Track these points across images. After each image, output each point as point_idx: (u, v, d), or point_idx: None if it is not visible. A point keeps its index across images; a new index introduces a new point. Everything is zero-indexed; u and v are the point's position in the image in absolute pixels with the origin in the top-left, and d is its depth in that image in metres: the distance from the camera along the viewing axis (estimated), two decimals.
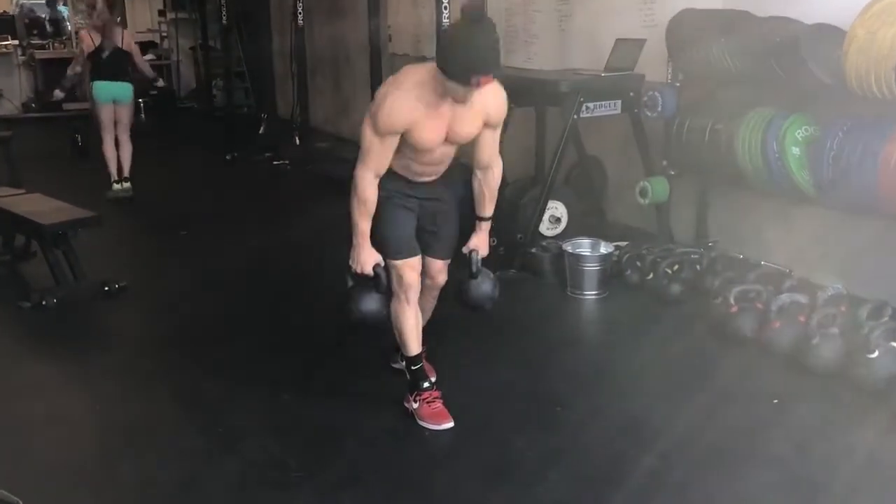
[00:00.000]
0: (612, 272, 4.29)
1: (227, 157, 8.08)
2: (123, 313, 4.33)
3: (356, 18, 8.62)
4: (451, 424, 3.00)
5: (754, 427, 2.96)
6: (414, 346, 3.07)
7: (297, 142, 7.90)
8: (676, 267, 4.17)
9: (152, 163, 7.20)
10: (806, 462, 2.76)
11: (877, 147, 3.51)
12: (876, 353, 3.07)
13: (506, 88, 4.87)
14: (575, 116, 4.53)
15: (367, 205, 2.83)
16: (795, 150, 3.90)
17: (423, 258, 3.08)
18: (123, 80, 6.41)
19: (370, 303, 2.94)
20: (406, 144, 2.79)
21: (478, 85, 2.59)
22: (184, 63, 11.32)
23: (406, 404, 3.11)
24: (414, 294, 3.03)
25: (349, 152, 8.06)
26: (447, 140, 2.83)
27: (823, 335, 3.25)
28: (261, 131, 8.58)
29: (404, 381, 3.15)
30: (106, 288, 4.44)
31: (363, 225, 2.87)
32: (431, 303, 3.27)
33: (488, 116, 2.84)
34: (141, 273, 4.84)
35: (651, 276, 4.20)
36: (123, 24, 7.58)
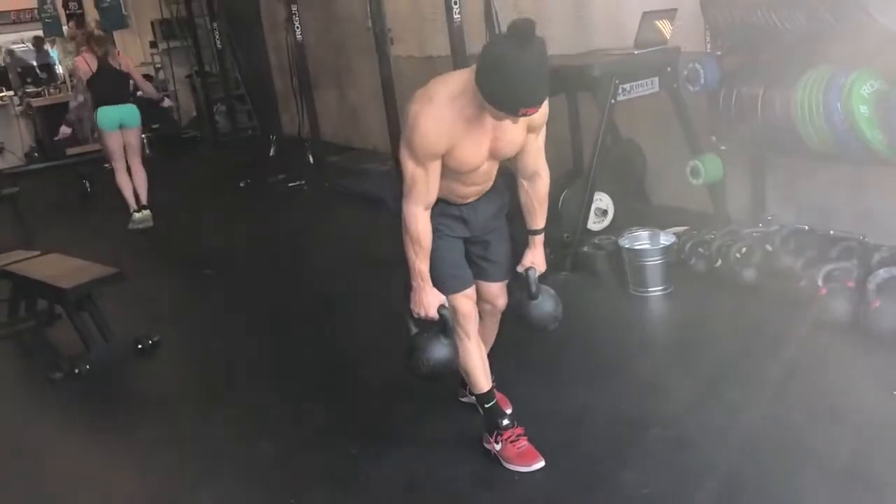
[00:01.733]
0: (675, 263, 3.97)
1: (241, 184, 7.81)
2: (162, 371, 4.07)
3: (354, 24, 8.34)
4: (542, 464, 2.71)
5: (887, 427, 2.65)
6: (483, 382, 2.78)
7: (311, 160, 7.60)
8: (745, 250, 3.85)
9: (165, 198, 6.95)
10: None
11: None
12: None
13: None
14: (612, 101, 4.22)
15: (422, 242, 2.52)
16: (864, 109, 3.57)
17: (477, 283, 2.79)
18: (128, 103, 6.17)
19: (440, 350, 2.61)
20: (446, 166, 2.48)
21: (525, 115, 2.30)
22: (181, 92, 11.06)
23: (487, 446, 2.82)
24: (473, 326, 2.74)
25: (364, 162, 7.99)
26: (491, 156, 2.53)
27: None
28: (271, 153, 8.31)
29: (479, 418, 2.86)
30: (139, 346, 4.18)
31: (421, 265, 2.55)
32: (493, 329, 2.98)
33: (531, 120, 2.49)
34: (172, 322, 4.57)
35: (719, 262, 3.88)
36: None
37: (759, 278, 3.75)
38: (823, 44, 3.69)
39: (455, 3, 4.85)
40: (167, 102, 6.51)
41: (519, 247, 2.89)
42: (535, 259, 2.79)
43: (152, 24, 10.62)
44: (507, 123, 2.42)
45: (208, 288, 5.18)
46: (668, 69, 4.34)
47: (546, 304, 2.81)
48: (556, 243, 4.31)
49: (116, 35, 10.69)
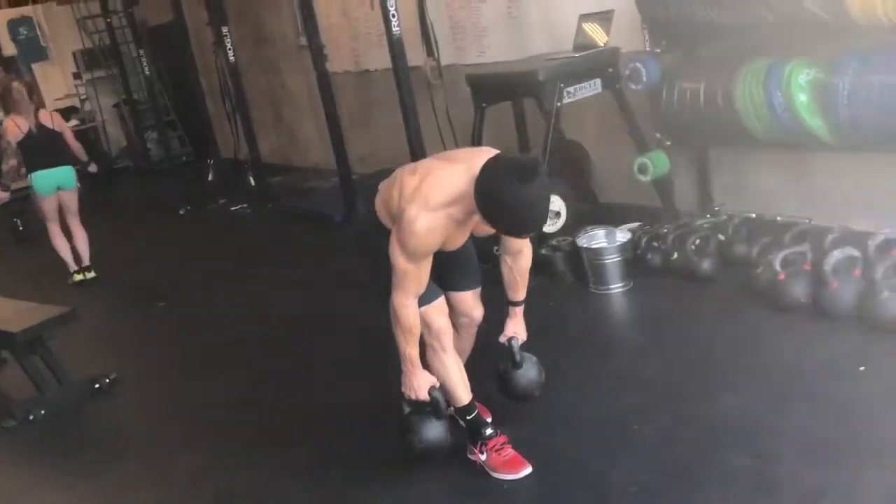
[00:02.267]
0: (632, 259, 4.02)
1: (181, 212, 7.65)
2: (121, 411, 3.94)
3: (285, 43, 8.27)
4: (529, 470, 2.71)
5: (862, 404, 2.72)
6: (463, 394, 2.77)
7: (252, 182, 7.49)
8: (699, 241, 3.93)
9: (103, 233, 6.73)
10: None
11: None
12: None
13: (477, 87, 4.73)
14: (558, 104, 4.26)
15: (413, 332, 2.59)
16: (802, 97, 3.69)
17: (450, 296, 2.79)
18: (63, 164, 5.83)
19: (432, 430, 2.68)
20: None
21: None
22: (109, 122, 10.78)
23: (472, 457, 2.81)
24: (448, 339, 2.74)
25: (307, 181, 7.91)
26: (474, 234, 2.68)
27: (892, 288, 3.03)
28: (209, 178, 8.16)
29: (461, 430, 2.84)
30: (96, 385, 4.05)
31: (411, 351, 2.61)
32: (470, 342, 2.98)
33: None
34: (128, 359, 4.44)
35: (675, 255, 3.95)
36: (38, 97, 7.03)
37: (716, 268, 3.83)
38: (760, 36, 3.80)
39: (393, 17, 4.83)
40: (93, 168, 6.19)
41: (481, 254, 2.93)
42: (517, 329, 2.89)
43: (74, 54, 10.32)
44: None
45: (162, 321, 5.04)
46: (610, 70, 4.41)
47: (530, 371, 2.91)
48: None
49: (36, 68, 10.37)
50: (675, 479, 2.56)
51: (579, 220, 4.52)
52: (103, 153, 10.31)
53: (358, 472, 2.96)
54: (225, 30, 7.00)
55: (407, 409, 2.75)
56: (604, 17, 4.45)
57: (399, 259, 2.49)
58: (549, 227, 4.66)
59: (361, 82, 7.40)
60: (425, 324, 2.66)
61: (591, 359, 3.42)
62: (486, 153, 2.49)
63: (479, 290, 2.88)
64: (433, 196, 2.44)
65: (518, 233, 2.49)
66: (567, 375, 3.26)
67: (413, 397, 2.67)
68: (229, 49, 7.02)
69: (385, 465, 2.94)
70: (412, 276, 2.51)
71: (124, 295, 5.74)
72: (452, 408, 2.86)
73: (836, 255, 3.23)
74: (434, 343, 2.70)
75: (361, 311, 4.40)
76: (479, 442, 2.77)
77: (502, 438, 2.77)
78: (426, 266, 2.53)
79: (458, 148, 2.81)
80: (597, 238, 4.08)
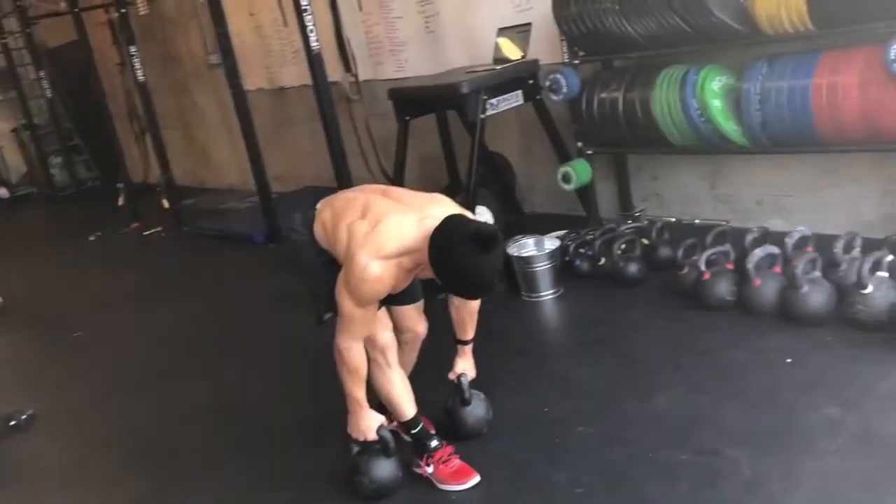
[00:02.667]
0: (561, 266, 4.08)
1: (91, 238, 7.37)
2: (42, 448, 3.73)
3: (194, 62, 8.11)
4: (477, 478, 2.70)
5: (790, 395, 2.81)
6: (409, 409, 2.76)
7: (166, 205, 7.28)
8: (624, 246, 4.02)
9: (10, 262, 6.44)
10: (872, 415, 2.62)
11: (804, 81, 3.47)
12: (870, 288, 3.00)
13: (400, 101, 4.73)
14: (482, 116, 4.30)
15: (360, 373, 2.59)
16: (717, 103, 3.83)
17: (393, 311, 2.78)
18: None
19: (382, 469, 2.68)
20: None
21: None
22: (7, 148, 10.32)
23: (417, 470, 2.79)
24: (393, 355, 2.74)
25: (222, 202, 7.74)
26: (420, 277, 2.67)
27: (811, 282, 3.17)
28: (119, 202, 7.87)
29: (404, 445, 2.84)
30: (12, 422, 3.84)
31: (358, 394, 2.61)
32: (413, 358, 2.97)
33: None
34: (46, 393, 4.23)
35: (603, 261, 4.03)
36: None
37: (643, 271, 3.92)
38: (674, 44, 3.93)
39: (312, 32, 4.79)
40: (3, 192, 5.89)
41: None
42: (467, 367, 2.92)
43: None
44: None
45: (79, 351, 4.81)
46: (530, 82, 4.48)
47: (478, 408, 2.94)
48: None
49: None
50: (619, 478, 2.60)
51: (506, 230, 4.56)
52: (2, 180, 9.87)
53: (301, 492, 2.90)
54: (133, 49, 6.80)
55: (355, 450, 2.72)
56: (522, 31, 4.52)
57: (347, 303, 2.47)
58: None
59: (276, 100, 7.31)
60: (369, 339, 2.63)
61: (528, 365, 3.45)
62: (440, 203, 2.52)
63: (421, 303, 2.87)
64: (385, 245, 2.41)
65: (469, 297, 2.57)
66: (506, 383, 3.28)
67: (362, 439, 2.66)
68: (138, 69, 6.82)
69: (329, 483, 2.89)
70: (359, 320, 2.49)
71: (37, 326, 5.48)
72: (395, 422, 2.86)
73: (758, 253, 3.36)
74: (379, 358, 2.68)
75: (289, 330, 4.37)
76: (426, 455, 2.75)
77: (449, 449, 2.76)
78: (373, 311, 2.53)
79: (396, 188, 2.78)
80: (526, 247, 4.12)
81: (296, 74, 6.94)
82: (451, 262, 2.32)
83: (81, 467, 3.49)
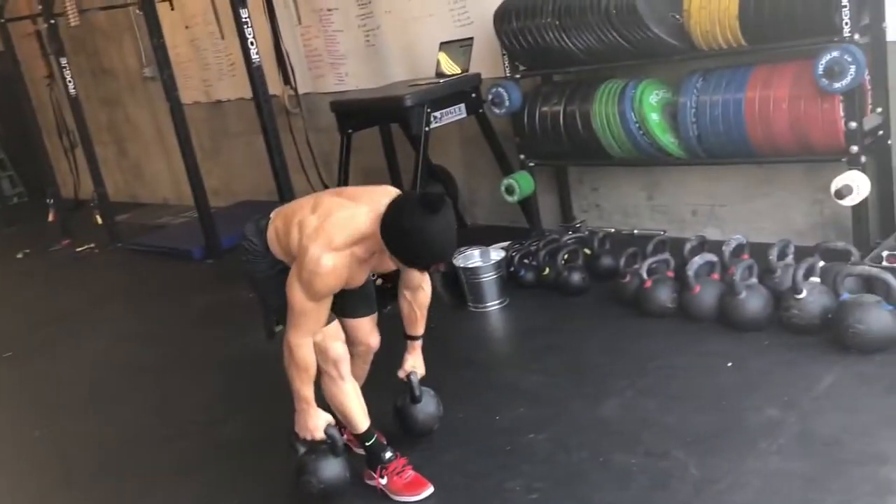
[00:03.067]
0: (506, 277, 4.14)
1: (20, 256, 7.14)
2: None
3: (128, 75, 7.95)
4: (431, 489, 2.71)
5: (733, 397, 2.90)
6: (362, 421, 2.75)
7: (99, 220, 7.09)
8: (567, 256, 4.10)
9: None
10: (810, 416, 2.72)
11: (737, 95, 3.61)
12: (804, 293, 3.13)
13: (343, 114, 4.73)
14: (426, 129, 4.34)
15: (309, 371, 2.55)
16: (654, 116, 3.95)
17: (346, 323, 2.78)
18: None
19: (330, 469, 2.65)
20: None
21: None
22: None
23: (370, 482, 2.79)
24: (346, 367, 2.72)
25: (157, 217, 7.59)
26: (374, 271, 2.69)
27: (748, 288, 3.28)
28: (50, 218, 7.64)
29: (354, 456, 2.84)
30: None
31: (306, 392, 2.58)
32: (365, 370, 2.97)
33: None
34: None
35: (547, 271, 4.10)
36: None
37: (586, 280, 4.00)
38: (613, 59, 4.03)
39: (252, 45, 4.76)
40: None
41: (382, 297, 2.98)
42: (416, 363, 2.92)
43: None
44: None
45: (9, 372, 4.64)
46: (473, 95, 4.54)
47: (429, 405, 2.95)
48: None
49: None
50: (572, 483, 2.64)
51: None
52: None
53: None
54: (63, 61, 6.63)
55: (301, 450, 2.70)
56: (464, 45, 4.58)
57: (298, 298, 2.45)
58: None
59: (213, 113, 7.23)
60: (321, 351, 2.62)
61: (477, 374, 3.48)
62: (388, 192, 2.51)
63: (375, 316, 2.88)
64: (337, 236, 2.41)
65: (426, 263, 2.49)
66: (456, 392, 3.29)
67: (309, 438, 2.63)
68: (69, 82, 6.65)
69: (277, 496, 2.87)
70: (311, 315, 2.48)
71: None
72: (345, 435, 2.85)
73: (697, 261, 3.46)
74: (332, 371, 2.67)
75: (232, 345, 4.32)
76: (380, 466, 2.75)
77: (403, 461, 2.76)
78: (326, 306, 2.51)
79: (348, 187, 2.82)
80: (472, 258, 4.17)
81: (232, 87, 6.88)
82: (402, 230, 2.34)
83: (12, 492, 3.36)
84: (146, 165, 8.44)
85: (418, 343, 2.92)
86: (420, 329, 2.89)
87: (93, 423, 3.80)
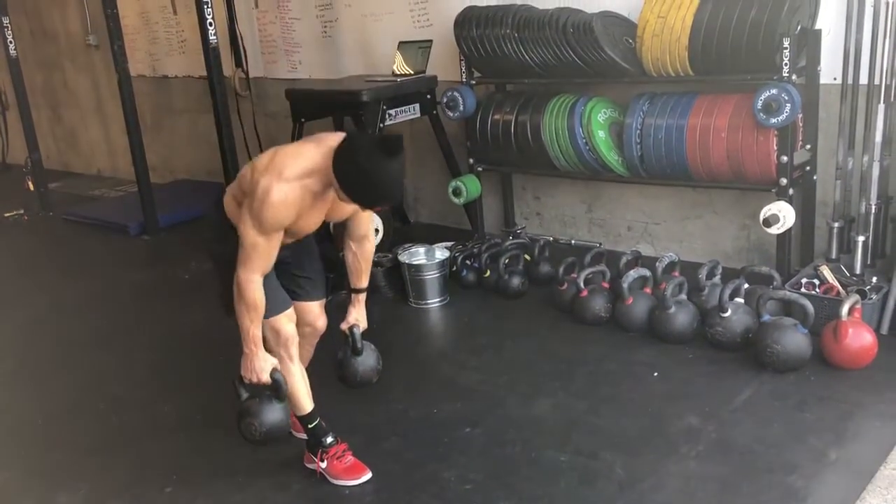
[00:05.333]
0: (448, 276, 4.26)
1: None
2: None
3: (71, 40, 7.77)
4: (369, 475, 2.80)
5: (658, 404, 3.09)
6: (307, 403, 2.82)
7: (31, 186, 6.92)
8: (508, 260, 4.24)
9: None
10: (728, 425, 2.91)
11: (681, 121, 3.81)
12: (729, 312, 3.34)
13: (298, 102, 4.76)
14: (381, 125, 4.42)
15: (258, 310, 2.56)
16: (601, 134, 4.13)
17: (296, 306, 2.84)
18: None
19: (273, 414, 2.67)
20: (285, 230, 2.56)
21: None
22: None
23: (310, 466, 2.86)
24: (295, 348, 2.79)
25: (92, 188, 7.44)
26: (327, 219, 2.68)
27: (677, 303, 3.48)
28: None
29: (293, 441, 2.92)
30: None
31: (255, 331, 2.58)
32: (310, 352, 3.03)
33: None
34: None
35: (488, 273, 4.24)
36: None
37: (525, 285, 4.15)
38: (566, 75, 4.19)
39: (211, 25, 4.76)
40: None
41: (328, 263, 3.01)
42: (359, 316, 2.94)
43: None
44: None
45: None
46: (428, 96, 4.65)
47: (369, 358, 2.98)
48: (331, 262, 4.41)
49: None
50: (505, 476, 2.77)
51: (395, 240, 4.69)
52: None
53: (188, 484, 2.90)
54: (6, 20, 6.46)
55: (244, 395, 2.69)
56: (423, 47, 4.68)
57: (250, 232, 2.46)
58: None
59: (158, 88, 7.14)
60: (274, 331, 2.69)
61: (416, 369, 3.58)
62: (339, 136, 2.53)
63: (324, 301, 2.94)
64: (288, 168, 2.44)
65: (374, 202, 2.47)
66: (394, 386, 3.39)
67: (255, 380, 2.62)
68: (10, 42, 6.48)
69: (217, 475, 2.92)
70: (262, 250, 2.49)
71: None
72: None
73: (632, 274, 3.65)
74: (281, 351, 2.72)
75: (170, 321, 4.32)
76: (320, 450, 2.83)
77: (343, 446, 2.84)
78: (276, 241, 2.51)
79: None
80: (417, 255, 4.27)
81: (181, 64, 6.82)
82: (357, 167, 2.37)
83: None
84: (82, 134, 8.26)
85: (362, 296, 2.92)
86: (364, 281, 2.90)
87: (23, 396, 3.75)
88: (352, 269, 2.89)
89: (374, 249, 2.90)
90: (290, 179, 2.44)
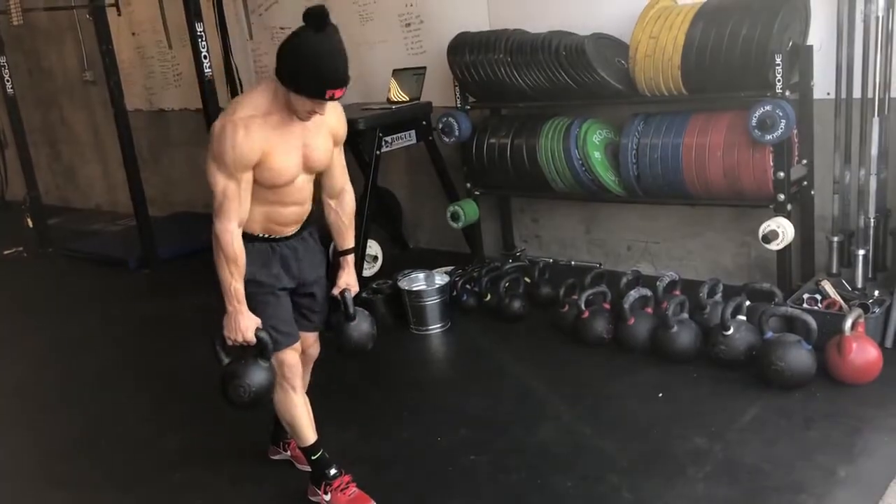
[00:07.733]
0: (449, 301, 4.25)
1: None
2: None
3: (68, 76, 7.82)
4: None
5: (663, 426, 3.06)
6: (311, 434, 2.80)
7: (30, 223, 6.93)
8: (508, 283, 4.23)
9: None
10: (735, 445, 2.88)
11: (676, 140, 3.82)
12: (731, 330, 3.33)
13: None
14: (377, 152, 4.44)
15: (237, 262, 2.48)
16: (597, 154, 4.13)
17: None
18: None
19: (259, 374, 2.53)
20: (264, 186, 2.49)
21: (332, 98, 2.38)
22: None
23: (314, 499, 2.84)
24: (298, 377, 2.78)
25: (91, 223, 7.45)
26: (305, 167, 2.57)
27: (679, 322, 3.47)
28: None
29: (295, 474, 2.90)
30: None
31: (237, 286, 2.49)
32: (306, 378, 3.00)
33: (335, 132, 2.63)
34: None
35: (489, 297, 4.22)
36: None
37: (526, 307, 4.14)
38: (560, 98, 4.21)
39: (206, 58, 4.79)
40: None
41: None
42: (349, 280, 2.82)
43: None
44: (315, 130, 2.51)
45: None
46: (424, 122, 4.67)
47: (363, 324, 2.84)
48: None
49: None
50: (511, 503, 2.75)
51: (394, 266, 4.69)
52: None
53: None
54: (3, 60, 6.50)
55: (226, 360, 2.57)
56: (417, 73, 4.71)
57: (218, 177, 2.41)
58: (368, 270, 4.82)
59: (155, 122, 7.17)
60: (278, 362, 2.66)
61: (419, 396, 3.56)
62: None
63: (317, 332, 2.93)
64: (239, 108, 2.42)
65: (323, 86, 2.33)
66: (398, 414, 3.38)
67: (240, 340, 2.50)
68: (8, 80, 6.51)
69: None
70: (232, 194, 2.42)
71: None
72: (288, 451, 2.90)
73: (633, 294, 3.64)
74: (284, 382, 2.71)
75: (171, 358, 4.30)
76: (324, 482, 2.80)
77: (347, 478, 2.81)
78: (247, 182, 2.43)
79: None
80: (417, 281, 4.26)
81: (177, 97, 6.86)
82: (290, 54, 2.32)
83: None
84: (80, 170, 8.29)
85: (350, 258, 2.82)
86: (350, 240, 2.82)
87: (24, 435, 3.72)
88: (336, 229, 2.81)
89: (354, 204, 2.80)
90: (245, 113, 2.40)
